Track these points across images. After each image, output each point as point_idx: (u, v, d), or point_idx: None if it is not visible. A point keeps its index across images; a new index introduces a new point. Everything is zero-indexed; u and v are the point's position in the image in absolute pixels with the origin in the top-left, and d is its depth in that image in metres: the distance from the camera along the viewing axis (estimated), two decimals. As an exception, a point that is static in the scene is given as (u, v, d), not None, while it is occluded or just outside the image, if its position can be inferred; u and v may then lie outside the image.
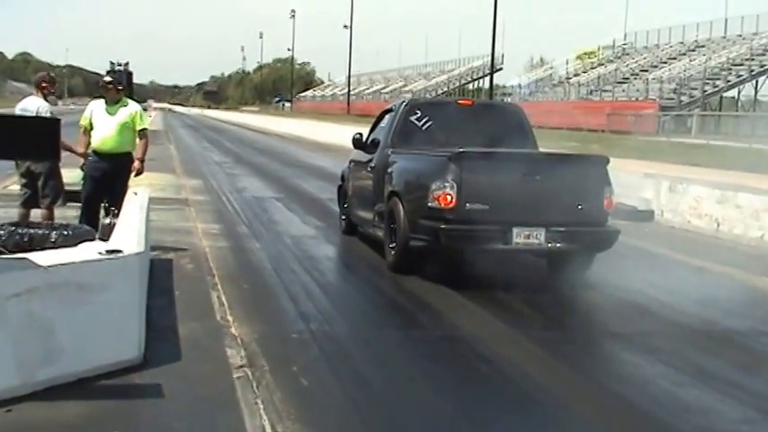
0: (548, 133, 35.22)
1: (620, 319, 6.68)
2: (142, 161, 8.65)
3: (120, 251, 4.93)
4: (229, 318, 6.22)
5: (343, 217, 10.65)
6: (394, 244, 8.12)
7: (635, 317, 6.76)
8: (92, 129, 8.50)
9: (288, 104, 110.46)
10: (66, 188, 9.12)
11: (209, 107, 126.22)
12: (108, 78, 8.68)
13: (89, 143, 8.52)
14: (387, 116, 9.79)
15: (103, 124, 8.47)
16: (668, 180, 13.45)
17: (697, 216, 12.54)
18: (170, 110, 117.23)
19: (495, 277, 8.06)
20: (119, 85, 8.62)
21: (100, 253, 4.83)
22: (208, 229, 10.59)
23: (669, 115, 40.28)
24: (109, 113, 8.49)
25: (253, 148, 32.74)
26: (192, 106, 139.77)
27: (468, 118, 9.44)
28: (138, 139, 8.62)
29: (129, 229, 5.69)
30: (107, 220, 7.53)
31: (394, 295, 7.38)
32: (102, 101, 8.57)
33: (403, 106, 9.46)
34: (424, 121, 9.14)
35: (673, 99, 43.69)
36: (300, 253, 9.21)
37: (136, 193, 7.82)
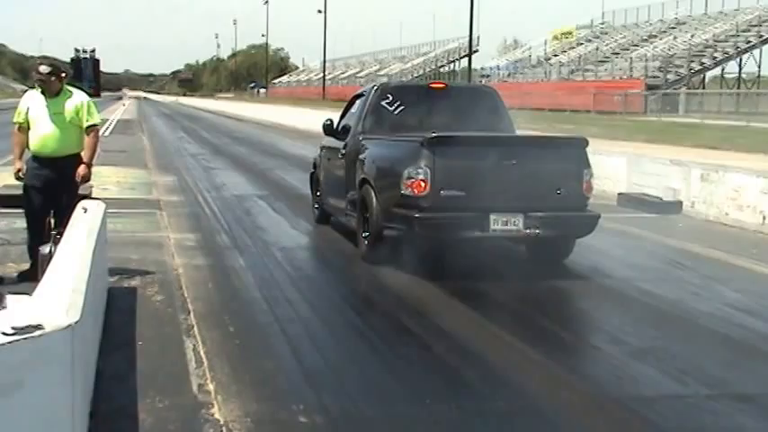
0: (533, 115, 33.72)
1: (745, 373, 4.92)
2: (89, 165, 6.81)
3: (38, 327, 3.12)
4: (210, 386, 4.43)
5: (316, 206, 10.21)
6: (367, 233, 7.73)
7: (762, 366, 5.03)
8: (29, 128, 6.69)
9: (263, 90, 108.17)
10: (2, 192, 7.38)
11: (184, 95, 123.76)
12: (45, 68, 6.68)
13: (26, 144, 6.72)
14: (358, 101, 9.33)
15: (43, 121, 6.63)
16: (699, 167, 11.79)
17: (737, 208, 10.87)
18: (145, 98, 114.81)
19: (540, 305, 6.37)
20: (61, 74, 6.72)
21: (5, 333, 3.01)
22: (182, 240, 8.78)
23: (656, 94, 38.81)
24: (49, 108, 6.65)
25: (230, 137, 30.80)
26: (168, 94, 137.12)
27: (442, 101, 9.03)
28: (86, 138, 6.78)
29: (63, 280, 3.86)
30: (46, 249, 5.73)
31: (426, 338, 5.53)
32: (37, 92, 6.73)
33: (374, 91, 9.01)
34: (395, 105, 8.74)
35: (658, 77, 42.23)
36: (295, 273, 7.44)
37: (85, 211, 5.96)
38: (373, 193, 7.65)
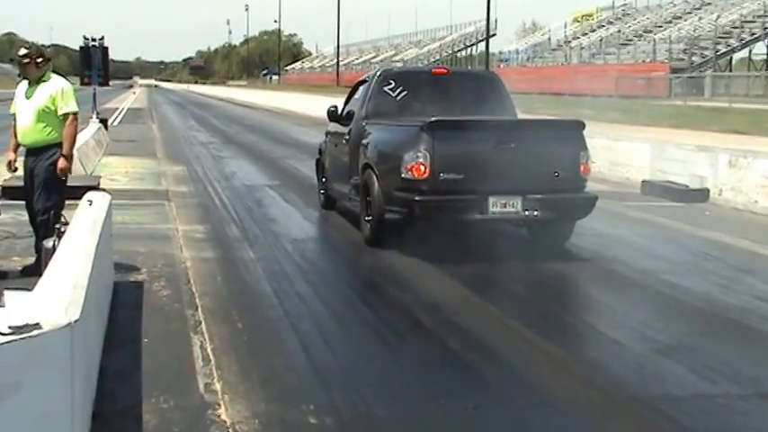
0: (552, 100, 33.47)
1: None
2: (67, 157, 6.56)
3: (36, 326, 3.06)
4: (217, 386, 4.37)
5: (322, 191, 10.47)
6: (369, 217, 8.00)
7: None
8: None
9: (276, 77, 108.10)
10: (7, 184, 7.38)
11: (195, 82, 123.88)
12: (22, 50, 6.61)
13: None
14: (361, 87, 9.57)
15: (23, 111, 6.61)
16: (727, 153, 11.61)
17: (767, 195, 10.72)
18: (156, 86, 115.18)
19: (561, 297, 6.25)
20: (38, 59, 6.57)
21: (1, 333, 2.95)
22: (190, 232, 8.73)
23: (681, 77, 38.35)
24: (27, 97, 6.60)
25: (241, 125, 30.81)
26: (179, 82, 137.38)
27: (444, 87, 9.26)
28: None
29: (63, 276, 3.80)
30: (50, 243, 5.69)
31: (441, 333, 5.45)
32: (26, 81, 6.69)
33: (376, 77, 9.27)
34: (398, 91, 8.99)
35: (683, 60, 41.73)
36: (306, 265, 7.39)
37: (90, 203, 5.91)
38: (375, 178, 7.90)
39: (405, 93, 8.98)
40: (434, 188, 7.31)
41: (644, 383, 4.51)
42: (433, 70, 10.36)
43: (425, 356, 5.00)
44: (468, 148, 7.44)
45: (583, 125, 7.82)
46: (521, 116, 9.56)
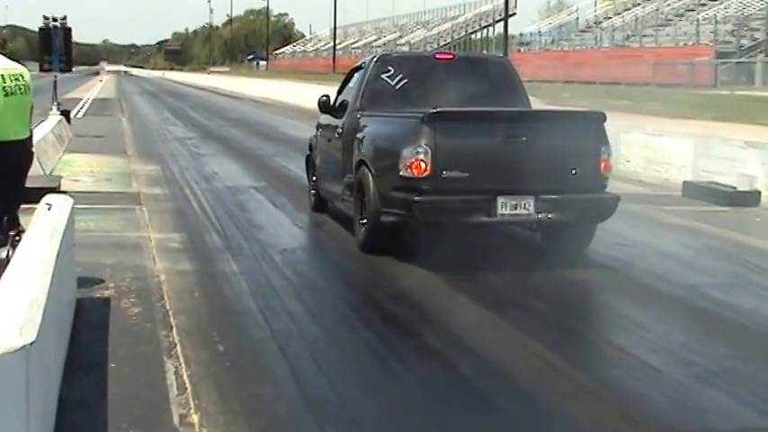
0: (580, 89, 33.60)
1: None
2: None
3: (-16, 348, 3.08)
4: (194, 418, 4.40)
5: (313, 191, 10.61)
6: (364, 220, 8.12)
7: None
8: None
9: (263, 63, 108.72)
10: None
11: (171, 69, 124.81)
12: None
13: None
14: (356, 74, 9.72)
15: None
16: (781, 150, 11.66)
17: (826, 199, 10.79)
18: (126, 73, 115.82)
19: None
20: None
21: (-56, 357, 2.98)
22: (165, 241, 8.78)
23: (728, 63, 38.45)
24: None
25: (223, 117, 30.96)
26: (153, 68, 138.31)
27: (449, 74, 9.37)
28: None
29: (18, 291, 3.82)
30: (3, 254, 5.72)
31: (450, 358, 5.48)
32: None
33: (373, 62, 9.40)
34: (397, 78, 9.08)
35: (731, 43, 41.85)
36: (297, 279, 7.43)
37: (49, 207, 5.94)
38: (370, 176, 8.02)
39: (405, 80, 9.08)
40: (436, 187, 7.40)
41: (684, 415, 4.54)
42: (437, 55, 10.45)
43: (433, 384, 5.03)
44: (475, 143, 7.55)
45: (604, 117, 7.90)
46: (537, 107, 9.65)
